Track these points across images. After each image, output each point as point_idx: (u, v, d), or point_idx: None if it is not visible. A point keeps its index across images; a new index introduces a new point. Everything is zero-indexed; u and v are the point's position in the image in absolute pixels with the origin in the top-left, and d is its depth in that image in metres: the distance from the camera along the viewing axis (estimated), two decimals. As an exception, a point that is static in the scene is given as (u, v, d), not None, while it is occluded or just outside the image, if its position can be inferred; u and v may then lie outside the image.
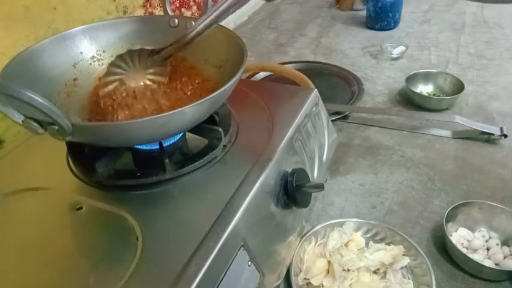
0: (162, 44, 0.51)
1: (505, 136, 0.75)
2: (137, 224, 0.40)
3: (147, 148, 0.49)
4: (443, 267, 0.55)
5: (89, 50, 0.55)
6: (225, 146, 0.50)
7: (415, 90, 0.88)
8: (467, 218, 0.59)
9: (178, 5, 1.06)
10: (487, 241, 0.57)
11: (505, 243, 0.56)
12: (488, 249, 0.56)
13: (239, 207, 0.42)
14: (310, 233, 0.56)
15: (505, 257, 0.55)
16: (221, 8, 0.47)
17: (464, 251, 0.55)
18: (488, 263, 0.53)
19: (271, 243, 0.48)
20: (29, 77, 0.47)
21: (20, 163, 0.52)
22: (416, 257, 0.53)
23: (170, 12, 0.59)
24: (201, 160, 0.47)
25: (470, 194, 0.66)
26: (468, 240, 0.57)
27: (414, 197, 0.66)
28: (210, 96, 0.41)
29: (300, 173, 0.51)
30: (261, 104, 0.58)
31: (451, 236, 0.57)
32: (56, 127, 0.36)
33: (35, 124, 0.36)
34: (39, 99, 0.33)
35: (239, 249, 0.40)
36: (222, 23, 0.57)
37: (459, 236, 0.58)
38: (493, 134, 0.76)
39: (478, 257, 0.54)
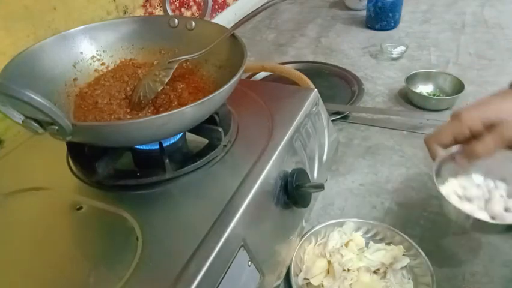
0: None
1: (505, 136, 0.75)
2: (137, 224, 0.40)
3: (147, 148, 0.49)
4: (443, 267, 0.55)
5: (89, 50, 0.55)
6: (225, 146, 0.50)
7: (415, 90, 0.88)
8: (476, 163, 0.51)
9: (178, 5, 1.06)
10: (489, 191, 0.51)
11: None
12: (489, 200, 0.50)
13: (239, 207, 0.42)
14: (310, 233, 0.56)
15: (506, 210, 0.48)
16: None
17: (455, 199, 0.49)
18: (480, 215, 0.48)
19: (271, 243, 0.48)
20: (29, 77, 0.47)
21: (20, 163, 0.52)
22: (416, 257, 0.53)
23: (170, 12, 0.59)
24: (201, 160, 0.47)
25: (470, 194, 0.66)
26: (465, 188, 0.51)
27: (414, 197, 0.66)
28: (210, 96, 0.41)
29: (300, 173, 0.51)
30: (261, 104, 0.58)
31: (447, 182, 0.51)
32: (56, 127, 0.36)
33: (35, 124, 0.36)
34: (39, 99, 0.33)
35: (239, 249, 0.40)
36: (222, 23, 0.57)
37: (456, 184, 0.52)
38: (493, 134, 0.75)
39: (470, 206, 0.48)
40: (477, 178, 0.53)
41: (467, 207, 0.48)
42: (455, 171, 0.53)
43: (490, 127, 0.48)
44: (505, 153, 0.50)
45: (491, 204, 0.49)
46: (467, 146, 0.50)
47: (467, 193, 0.51)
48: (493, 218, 0.49)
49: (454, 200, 0.49)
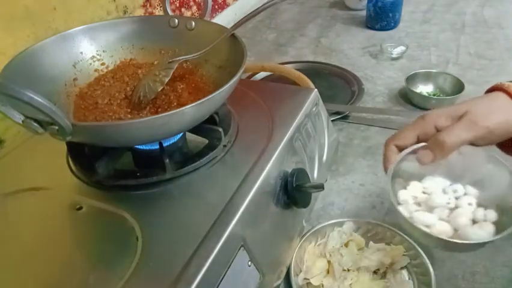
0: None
1: (505, 136, 0.75)
2: (137, 224, 0.40)
3: (147, 148, 0.49)
4: (443, 267, 0.55)
5: (89, 50, 0.55)
6: (225, 146, 0.50)
7: (415, 90, 0.88)
8: (445, 165, 0.43)
9: (178, 5, 1.06)
10: (457, 198, 0.43)
11: (488, 205, 0.42)
12: (455, 208, 0.42)
13: (239, 207, 0.42)
14: (310, 233, 0.56)
15: (474, 223, 0.40)
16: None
17: (413, 208, 0.42)
18: (442, 228, 0.40)
19: (271, 243, 0.48)
20: (29, 77, 0.47)
21: (20, 163, 0.52)
22: (416, 257, 0.53)
23: (170, 12, 0.59)
24: (201, 160, 0.47)
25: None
26: (429, 194, 0.43)
27: (414, 197, 0.66)
28: (210, 96, 0.41)
29: (300, 173, 0.51)
30: (261, 104, 0.58)
31: (409, 185, 0.44)
32: (56, 127, 0.36)
33: (35, 124, 0.36)
34: (40, 99, 0.33)
35: (239, 249, 0.40)
36: (222, 23, 0.57)
37: (420, 189, 0.44)
38: (493, 134, 0.75)
39: (429, 217, 0.41)
40: (444, 182, 0.45)
41: (423, 218, 0.41)
42: (419, 172, 0.45)
43: (457, 119, 0.43)
44: (479, 151, 0.44)
45: (456, 215, 0.42)
46: (432, 137, 0.43)
47: (430, 200, 0.43)
48: (456, 230, 0.41)
49: (410, 209, 0.42)
